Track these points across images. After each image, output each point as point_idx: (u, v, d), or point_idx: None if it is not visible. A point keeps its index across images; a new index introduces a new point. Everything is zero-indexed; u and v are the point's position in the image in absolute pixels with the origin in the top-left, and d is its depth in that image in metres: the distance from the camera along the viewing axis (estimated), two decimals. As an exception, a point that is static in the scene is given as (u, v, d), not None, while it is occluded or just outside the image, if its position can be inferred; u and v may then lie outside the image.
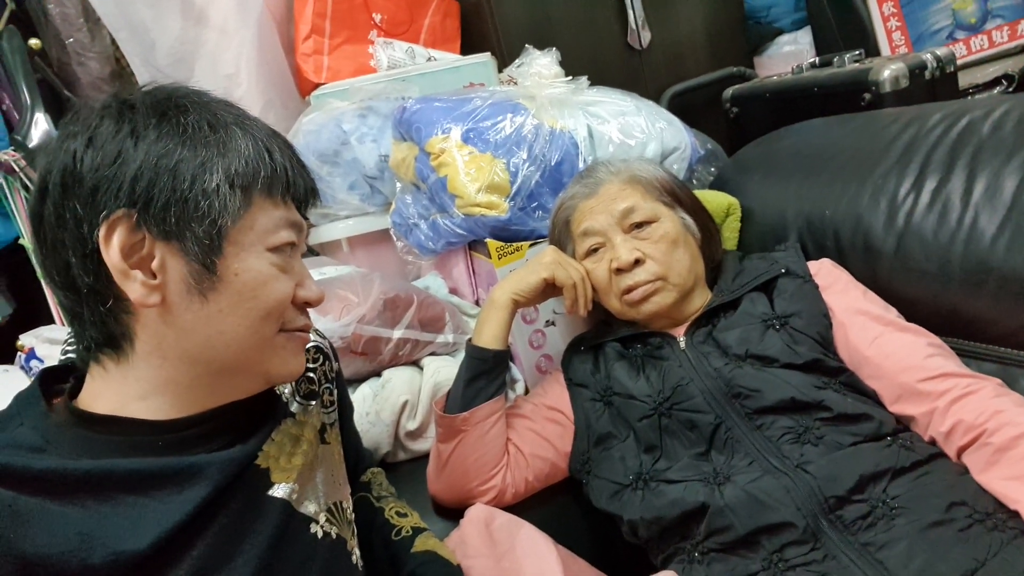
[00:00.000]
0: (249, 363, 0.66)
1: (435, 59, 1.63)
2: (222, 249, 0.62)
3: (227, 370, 0.66)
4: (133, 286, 0.60)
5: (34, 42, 1.43)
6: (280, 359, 0.68)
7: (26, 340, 1.29)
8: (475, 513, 0.93)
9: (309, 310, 1.06)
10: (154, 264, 0.61)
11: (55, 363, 0.79)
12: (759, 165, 1.33)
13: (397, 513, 0.90)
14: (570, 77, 1.36)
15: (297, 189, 0.68)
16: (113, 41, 1.55)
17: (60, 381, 0.69)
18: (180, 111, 0.63)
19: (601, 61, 1.87)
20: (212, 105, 0.66)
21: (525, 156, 1.19)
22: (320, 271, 1.21)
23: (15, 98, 1.38)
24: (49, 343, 1.25)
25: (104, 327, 0.63)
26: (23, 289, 1.58)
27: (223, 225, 0.62)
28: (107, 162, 0.60)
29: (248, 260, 0.63)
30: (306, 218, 0.73)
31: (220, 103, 0.67)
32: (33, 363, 1.22)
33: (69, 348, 1.16)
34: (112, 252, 0.59)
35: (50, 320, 1.42)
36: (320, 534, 0.71)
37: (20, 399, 0.66)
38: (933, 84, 1.52)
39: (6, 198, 1.42)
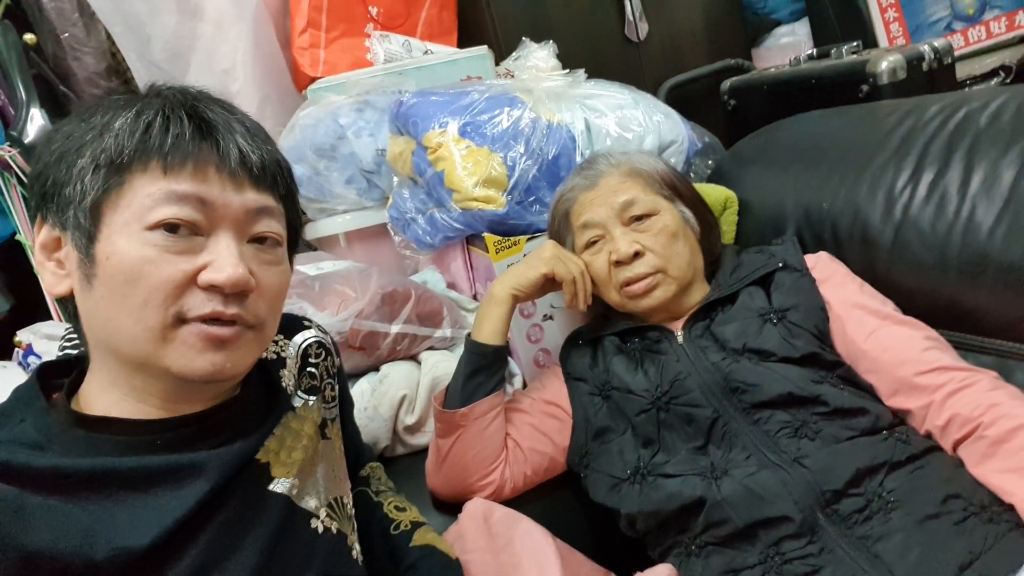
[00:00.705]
0: (148, 357, 0.61)
1: (432, 52, 1.63)
2: (97, 233, 0.60)
3: (140, 366, 0.62)
4: (44, 275, 0.64)
5: (29, 37, 1.42)
6: (181, 355, 0.60)
7: (23, 336, 1.29)
8: (473, 507, 0.93)
9: (308, 307, 1.08)
10: (60, 254, 0.63)
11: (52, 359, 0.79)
12: (757, 157, 1.33)
13: (396, 507, 0.90)
14: (567, 70, 1.35)
15: (192, 158, 0.60)
16: (109, 36, 1.54)
17: (58, 376, 0.69)
18: (99, 106, 0.63)
19: (599, 54, 1.86)
20: (165, 97, 0.63)
21: (522, 150, 1.19)
22: (318, 266, 1.21)
23: (10, 94, 1.37)
24: (47, 339, 1.25)
25: (76, 321, 0.65)
26: (20, 285, 1.58)
27: (92, 207, 0.60)
28: (37, 160, 0.63)
29: (119, 242, 0.59)
30: (286, 196, 0.69)
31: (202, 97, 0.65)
32: (31, 359, 1.21)
33: (67, 344, 1.16)
34: (36, 245, 0.64)
35: (47, 316, 1.42)
36: (321, 529, 0.71)
37: (19, 395, 0.66)
38: (931, 75, 1.52)
39: (2, 194, 1.42)
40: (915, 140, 1.06)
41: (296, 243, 0.76)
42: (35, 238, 0.64)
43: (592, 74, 1.40)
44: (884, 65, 1.47)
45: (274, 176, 0.67)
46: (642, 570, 0.91)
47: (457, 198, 1.18)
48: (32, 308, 1.45)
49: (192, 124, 0.61)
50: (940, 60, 1.52)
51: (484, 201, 1.17)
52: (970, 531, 0.76)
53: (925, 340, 0.91)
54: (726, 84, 1.92)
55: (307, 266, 1.20)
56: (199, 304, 0.60)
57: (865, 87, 1.50)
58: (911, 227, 1.01)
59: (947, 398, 0.84)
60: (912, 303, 0.99)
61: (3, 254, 1.54)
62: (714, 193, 1.27)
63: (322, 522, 0.72)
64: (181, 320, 0.60)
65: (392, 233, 1.40)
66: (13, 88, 1.37)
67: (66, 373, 0.69)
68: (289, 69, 1.67)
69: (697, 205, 1.09)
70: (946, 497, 0.78)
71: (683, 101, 1.81)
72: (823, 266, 1.02)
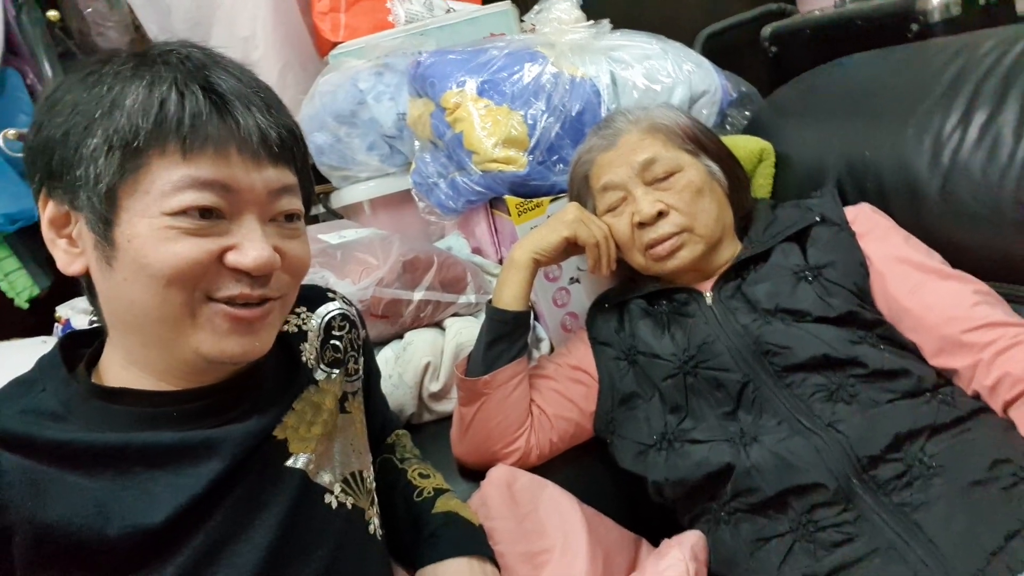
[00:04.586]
0: (175, 339, 0.60)
1: (454, 11, 1.58)
2: (115, 218, 0.58)
3: (164, 347, 0.61)
4: (57, 254, 0.62)
5: (52, 14, 1.42)
6: (209, 336, 0.60)
7: (62, 312, 1.32)
8: (497, 474, 0.92)
9: (330, 275, 1.07)
10: (73, 232, 0.61)
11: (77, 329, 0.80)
12: (795, 106, 1.26)
13: (420, 475, 0.89)
14: (591, 21, 1.29)
15: (212, 140, 0.58)
16: (131, 10, 1.54)
17: (82, 346, 0.69)
18: (104, 73, 0.59)
19: (630, 4, 1.77)
20: (158, 55, 0.60)
21: (543, 107, 1.14)
22: (340, 234, 1.20)
23: (37, 71, 1.38)
24: (83, 314, 1.27)
25: (93, 298, 0.64)
26: (61, 262, 1.61)
27: (108, 190, 0.57)
28: (34, 133, 0.61)
29: (139, 225, 0.57)
30: (304, 172, 0.68)
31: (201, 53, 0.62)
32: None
33: (95, 318, 1.18)
34: (43, 221, 0.61)
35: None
36: (335, 504, 0.71)
37: (42, 364, 0.67)
38: (989, 11, 1.40)
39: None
40: (966, 80, 0.98)
41: (309, 208, 0.74)
42: (41, 212, 0.62)
43: (623, 26, 1.34)
44: (936, 1, 1.37)
45: (291, 149, 0.65)
46: (671, 536, 0.89)
47: (477, 160, 1.15)
48: (72, 284, 1.48)
49: (208, 100, 0.58)
50: (999, -8, 1.40)
51: (505, 162, 1.13)
52: (1019, 497, 0.71)
53: (974, 295, 0.85)
54: (767, 30, 1.82)
55: (329, 235, 1.19)
56: (227, 286, 0.60)
57: (915, 26, 1.40)
58: (960, 174, 0.94)
59: (997, 356, 0.79)
60: (962, 257, 0.92)
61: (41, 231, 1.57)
62: (748, 145, 1.21)
63: (336, 497, 0.71)
64: (208, 298, 0.60)
65: (416, 199, 1.37)
66: (40, 66, 1.38)
67: (89, 344, 0.70)
68: (310, 35, 1.65)
69: (724, 158, 1.03)
70: (994, 462, 0.73)
71: (722, 51, 1.72)
72: (864, 218, 0.96)
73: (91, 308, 1.28)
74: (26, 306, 1.48)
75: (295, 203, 0.65)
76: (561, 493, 0.92)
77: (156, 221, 0.57)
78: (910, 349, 0.86)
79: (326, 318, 0.82)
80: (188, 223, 0.58)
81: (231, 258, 0.59)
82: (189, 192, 0.57)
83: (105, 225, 0.58)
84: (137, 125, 0.56)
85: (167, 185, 0.57)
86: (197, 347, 0.60)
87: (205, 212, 0.58)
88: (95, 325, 1.13)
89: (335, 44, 1.56)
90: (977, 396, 0.82)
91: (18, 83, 1.37)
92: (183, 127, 0.57)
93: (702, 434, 0.88)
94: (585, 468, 1.05)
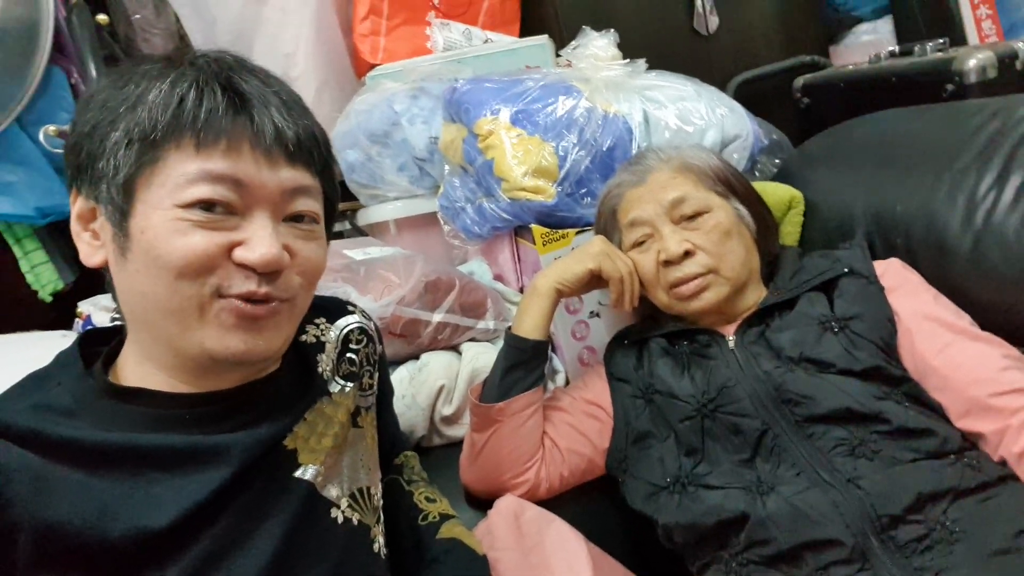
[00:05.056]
0: (182, 332, 0.60)
1: (491, 41, 1.61)
2: (131, 209, 0.59)
3: (173, 341, 0.61)
4: (81, 246, 0.64)
5: (102, 18, 1.46)
6: (214, 332, 0.60)
7: (84, 307, 1.33)
8: (504, 505, 0.90)
9: (351, 291, 1.07)
10: (95, 225, 0.63)
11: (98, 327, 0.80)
12: (826, 156, 1.26)
13: (426, 498, 0.88)
14: (627, 60, 1.31)
15: (226, 135, 0.59)
16: (177, 19, 1.58)
17: (101, 343, 0.70)
18: (135, 73, 0.61)
19: (664, 47, 1.79)
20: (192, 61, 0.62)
21: (575, 140, 1.15)
22: (365, 251, 1.20)
23: (83, 72, 1.41)
24: (104, 311, 1.28)
25: (114, 292, 0.65)
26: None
27: (125, 183, 0.59)
28: (70, 132, 0.63)
29: (153, 217, 0.58)
30: (327, 176, 0.68)
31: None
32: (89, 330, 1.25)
33: (116, 315, 1.19)
34: (72, 215, 0.63)
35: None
36: (340, 519, 0.70)
37: (59, 359, 0.67)
38: (1025, 75, 1.40)
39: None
40: (1002, 142, 0.97)
41: (333, 216, 0.75)
42: (72, 207, 0.64)
43: (657, 68, 1.35)
44: (972, 63, 1.37)
45: (310, 151, 0.65)
46: (678, 584, 0.87)
47: (506, 187, 1.15)
48: (94, 281, 1.50)
49: (226, 98, 0.60)
50: (1036, 59, 1.40)
51: (533, 191, 1.14)
52: (1046, 571, 0.69)
53: (1003, 359, 0.83)
54: (799, 81, 1.83)
55: (354, 251, 1.19)
56: (236, 282, 0.60)
57: (950, 86, 1.40)
58: (993, 235, 0.93)
59: (1027, 423, 0.77)
60: (990, 318, 0.91)
61: (69, 227, 1.59)
62: (778, 192, 1.20)
63: (342, 512, 0.70)
64: (219, 295, 0.60)
65: (442, 222, 1.38)
66: (85, 67, 1.41)
67: (108, 342, 0.70)
68: (349, 56, 1.68)
69: (753, 202, 1.03)
70: (1020, 532, 0.71)
71: (753, 99, 1.73)
72: (894, 273, 0.95)
73: (112, 306, 1.29)
74: (49, 299, 1.49)
75: (310, 204, 0.65)
76: (568, 529, 0.90)
77: (168, 213, 0.58)
78: (936, 409, 0.84)
79: (344, 331, 0.82)
80: (199, 216, 0.58)
81: (238, 253, 0.60)
82: (201, 185, 0.58)
83: (122, 216, 0.59)
84: (156, 119, 0.58)
85: (181, 178, 0.58)
86: (202, 342, 0.60)
87: (216, 206, 0.59)
88: (116, 323, 1.14)
89: (373, 66, 1.59)
90: (1003, 462, 0.80)
91: (62, 81, 1.41)
92: (198, 121, 0.58)
93: (717, 479, 0.86)
94: (594, 506, 1.03)
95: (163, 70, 0.61)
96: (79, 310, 1.34)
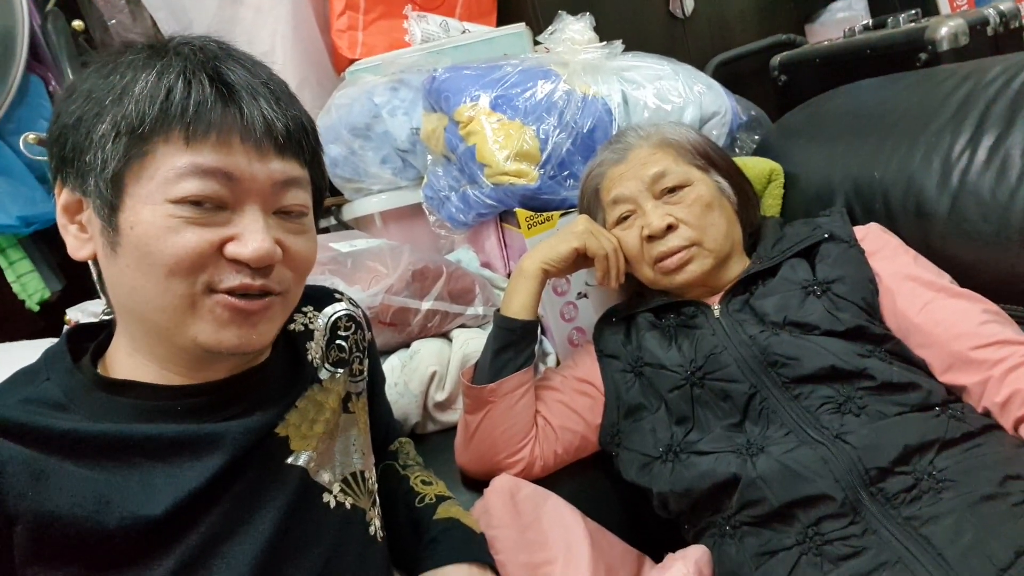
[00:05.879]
0: (175, 328, 0.60)
1: (469, 32, 1.61)
2: (120, 204, 0.58)
3: (165, 335, 0.61)
4: (68, 239, 0.63)
5: (77, 24, 1.46)
6: (207, 326, 0.60)
7: (73, 314, 1.33)
8: (500, 483, 0.91)
9: (339, 283, 1.08)
10: (82, 217, 0.62)
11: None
12: (804, 129, 1.27)
13: (422, 481, 0.89)
14: (604, 43, 1.31)
15: (216, 128, 0.58)
16: (154, 23, 1.58)
17: (89, 339, 0.70)
18: (120, 62, 0.60)
19: (641, 30, 1.80)
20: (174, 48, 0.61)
21: (555, 123, 1.16)
22: (351, 243, 1.21)
23: (60, 79, 1.41)
24: (93, 317, 1.28)
25: (103, 285, 0.65)
26: (72, 265, 1.63)
27: (113, 177, 0.58)
28: (52, 122, 0.62)
29: (143, 212, 0.57)
30: (315, 165, 0.68)
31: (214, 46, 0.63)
32: (78, 336, 1.25)
33: (108, 313, 1.19)
34: (57, 207, 0.63)
35: (96, 296, 1.46)
36: (333, 504, 0.71)
37: (48, 355, 0.67)
38: (996, 41, 1.42)
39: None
40: (975, 103, 0.99)
41: (321, 204, 0.75)
42: (57, 199, 0.63)
43: (634, 51, 1.36)
44: (944, 31, 1.38)
45: (299, 142, 0.65)
46: (675, 551, 0.87)
47: (489, 173, 1.16)
48: (83, 288, 1.50)
49: (214, 89, 0.59)
50: (1006, 24, 1.42)
51: (516, 175, 1.15)
52: (1031, 515, 0.70)
53: (983, 313, 0.84)
54: (776, 59, 1.84)
55: (341, 243, 1.20)
56: (227, 277, 0.60)
57: (924, 55, 1.41)
58: (969, 195, 0.94)
59: (1007, 373, 0.78)
60: (970, 276, 0.92)
61: (55, 235, 1.59)
62: (758, 166, 1.22)
63: (335, 497, 0.71)
64: (210, 290, 0.60)
65: (427, 213, 1.39)
66: (62, 74, 1.41)
67: (96, 337, 0.70)
68: (328, 52, 1.68)
69: (733, 175, 1.04)
70: (1005, 478, 0.72)
71: (731, 79, 1.73)
72: (874, 237, 0.97)
73: (100, 312, 1.29)
74: (37, 308, 1.49)
75: (300, 196, 0.65)
76: (564, 505, 0.91)
77: (159, 209, 0.58)
78: (919, 365, 0.86)
79: (332, 318, 0.82)
80: (190, 212, 0.58)
81: (231, 249, 0.59)
82: (192, 180, 0.58)
83: (111, 211, 0.59)
84: (144, 111, 0.57)
85: (170, 172, 0.57)
86: (195, 336, 0.60)
87: (207, 201, 0.59)
88: (105, 318, 1.13)
89: (352, 61, 1.59)
90: (987, 413, 0.81)
91: (40, 90, 1.41)
92: (187, 114, 0.57)
93: (708, 445, 0.87)
94: (589, 482, 1.04)
95: (148, 59, 0.60)
96: (68, 317, 1.34)
